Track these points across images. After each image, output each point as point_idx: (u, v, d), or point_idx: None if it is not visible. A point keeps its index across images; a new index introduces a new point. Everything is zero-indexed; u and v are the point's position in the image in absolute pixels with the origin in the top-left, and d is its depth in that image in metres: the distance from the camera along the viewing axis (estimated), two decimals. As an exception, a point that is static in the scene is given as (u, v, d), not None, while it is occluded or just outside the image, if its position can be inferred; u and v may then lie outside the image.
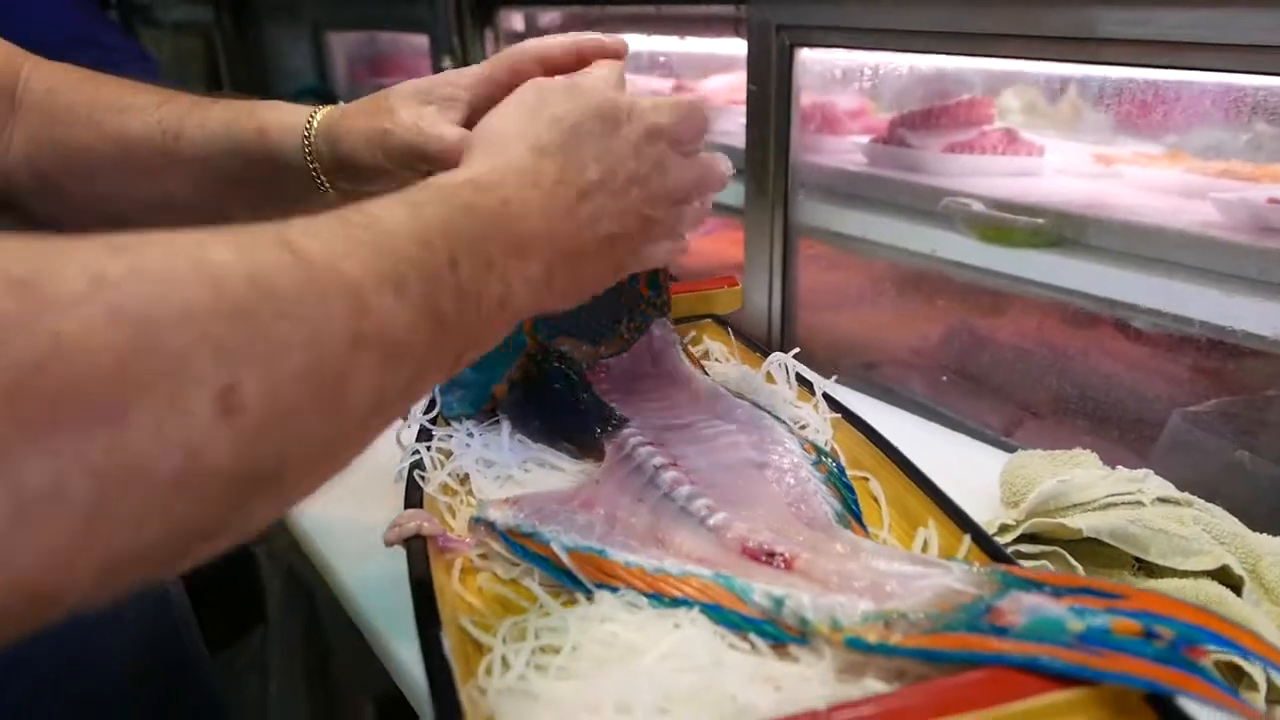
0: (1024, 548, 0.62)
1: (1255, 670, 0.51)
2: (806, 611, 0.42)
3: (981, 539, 0.48)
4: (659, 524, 0.51)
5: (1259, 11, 0.59)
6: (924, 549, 0.50)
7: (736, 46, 0.93)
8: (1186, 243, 0.68)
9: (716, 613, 0.44)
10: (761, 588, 0.44)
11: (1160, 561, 0.58)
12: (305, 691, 1.18)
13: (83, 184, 0.64)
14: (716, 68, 1.16)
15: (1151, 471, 0.62)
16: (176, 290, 0.26)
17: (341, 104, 0.59)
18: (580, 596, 0.47)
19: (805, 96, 0.88)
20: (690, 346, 0.74)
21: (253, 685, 1.37)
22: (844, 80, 0.90)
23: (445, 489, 0.57)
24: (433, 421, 0.62)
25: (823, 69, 0.89)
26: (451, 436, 0.62)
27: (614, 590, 0.46)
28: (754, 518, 0.51)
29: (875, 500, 0.56)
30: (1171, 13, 0.62)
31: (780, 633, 0.43)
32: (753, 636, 0.43)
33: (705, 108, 0.52)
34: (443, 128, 0.54)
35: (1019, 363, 0.82)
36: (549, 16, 1.34)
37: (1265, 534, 0.60)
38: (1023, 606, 0.39)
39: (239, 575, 1.21)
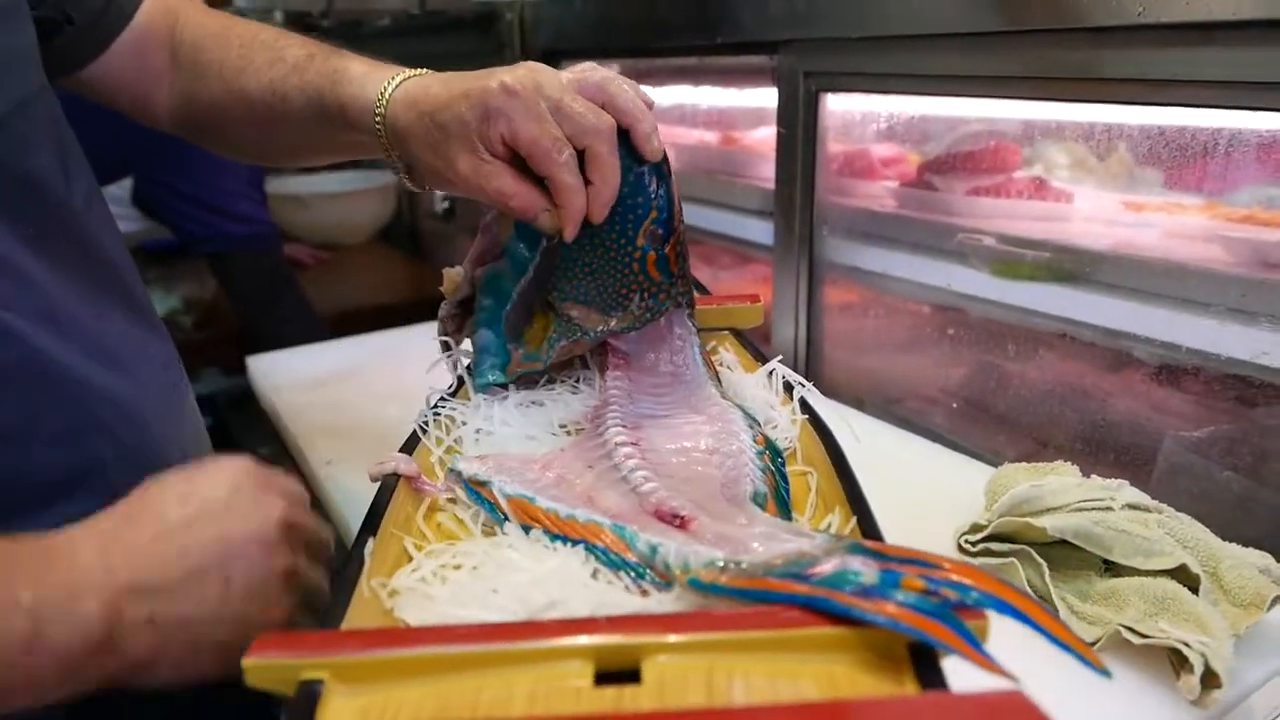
0: (994, 546, 0.64)
1: (1193, 654, 0.52)
2: (670, 557, 0.48)
3: (865, 519, 0.52)
4: (596, 486, 0.58)
5: (1242, 49, 0.60)
6: (828, 530, 0.54)
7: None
8: (1173, 273, 0.69)
9: (603, 554, 0.51)
10: (645, 537, 0.50)
11: (1123, 561, 0.60)
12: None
13: (218, 132, 0.76)
14: (766, 120, 1.22)
15: (1126, 482, 0.64)
16: None
17: (413, 82, 0.64)
18: (500, 531, 0.54)
19: (842, 144, 0.93)
20: (708, 355, 0.80)
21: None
22: (863, 123, 0.95)
23: (439, 443, 0.66)
24: (453, 394, 0.72)
25: (847, 114, 0.94)
26: (457, 409, 0.71)
27: (528, 530, 0.54)
28: (680, 489, 0.57)
29: (810, 492, 0.60)
30: (1169, 52, 0.65)
31: (651, 577, 0.49)
32: (624, 576, 0.49)
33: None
34: (496, 181, 0.60)
35: (1030, 394, 0.83)
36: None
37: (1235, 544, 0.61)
38: (836, 562, 0.43)
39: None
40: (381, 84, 0.65)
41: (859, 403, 0.97)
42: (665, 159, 0.63)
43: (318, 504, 0.96)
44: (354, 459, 0.96)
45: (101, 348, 0.61)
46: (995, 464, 0.81)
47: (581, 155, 0.60)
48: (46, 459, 0.59)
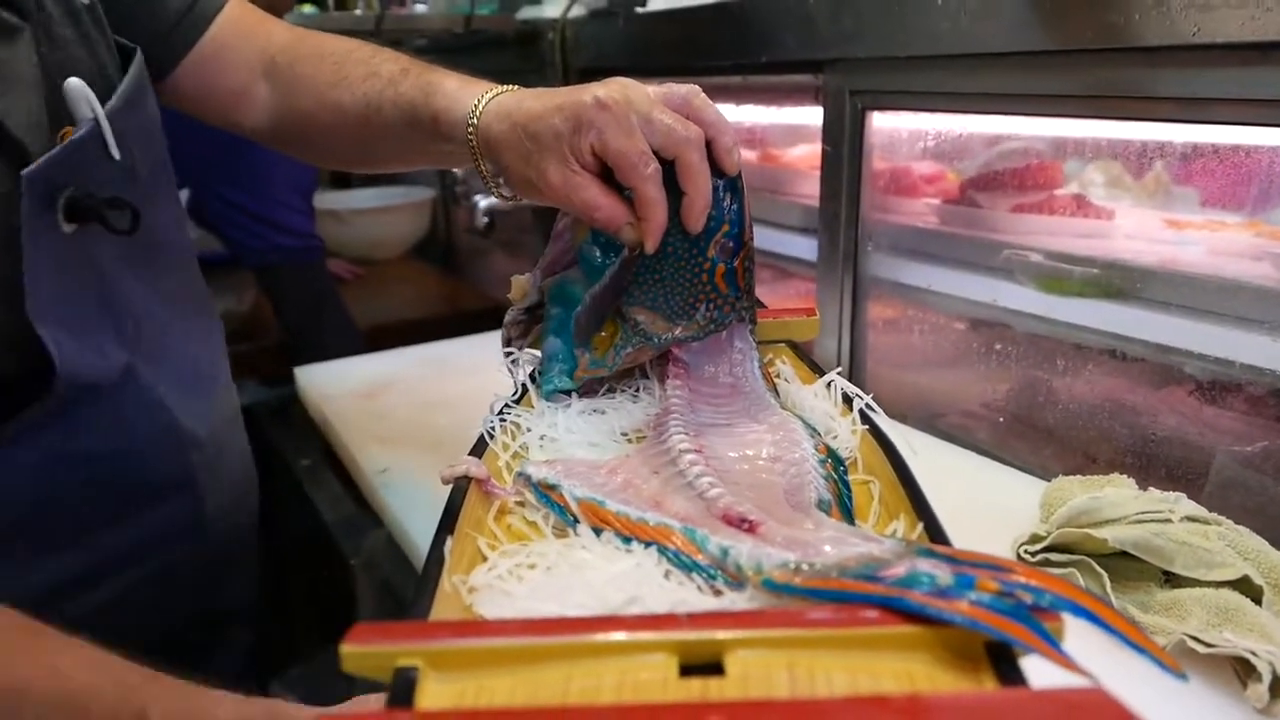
0: (1054, 556, 0.65)
1: (1261, 663, 0.53)
2: (742, 559, 0.49)
3: (932, 525, 0.53)
4: (663, 491, 0.60)
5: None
6: (894, 535, 0.55)
7: (820, 117, 1.00)
8: (1225, 289, 0.69)
9: (674, 556, 0.52)
10: (716, 540, 0.52)
11: (1184, 573, 0.61)
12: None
13: (308, 141, 0.80)
14: (804, 138, 1.24)
15: (1184, 495, 0.64)
16: None
17: (507, 96, 0.67)
18: (572, 533, 0.56)
19: (886, 162, 0.94)
20: (766, 368, 0.81)
21: (341, 690, 1.49)
22: (909, 141, 0.96)
23: (505, 448, 0.68)
24: (517, 401, 0.74)
25: (893, 132, 0.95)
26: (522, 416, 0.72)
27: (599, 532, 0.55)
28: (745, 495, 0.58)
29: (873, 500, 0.61)
30: (1223, 71, 0.66)
31: (724, 578, 0.50)
32: (695, 577, 0.50)
33: None
34: (585, 193, 0.63)
35: (1078, 409, 0.84)
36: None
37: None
38: (907, 564, 0.44)
39: (334, 586, 1.35)
40: (475, 98, 0.68)
41: (903, 417, 0.98)
42: (740, 174, 0.65)
43: (372, 511, 0.98)
44: (408, 467, 0.98)
45: (198, 378, 0.68)
46: (1043, 479, 0.82)
47: (670, 166, 0.62)
48: (158, 473, 0.68)
